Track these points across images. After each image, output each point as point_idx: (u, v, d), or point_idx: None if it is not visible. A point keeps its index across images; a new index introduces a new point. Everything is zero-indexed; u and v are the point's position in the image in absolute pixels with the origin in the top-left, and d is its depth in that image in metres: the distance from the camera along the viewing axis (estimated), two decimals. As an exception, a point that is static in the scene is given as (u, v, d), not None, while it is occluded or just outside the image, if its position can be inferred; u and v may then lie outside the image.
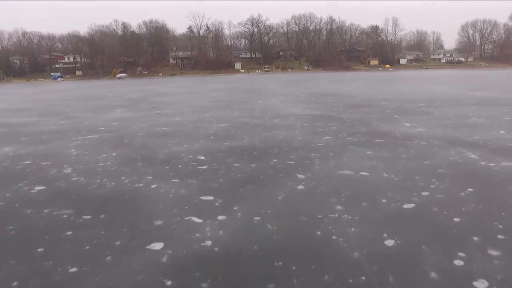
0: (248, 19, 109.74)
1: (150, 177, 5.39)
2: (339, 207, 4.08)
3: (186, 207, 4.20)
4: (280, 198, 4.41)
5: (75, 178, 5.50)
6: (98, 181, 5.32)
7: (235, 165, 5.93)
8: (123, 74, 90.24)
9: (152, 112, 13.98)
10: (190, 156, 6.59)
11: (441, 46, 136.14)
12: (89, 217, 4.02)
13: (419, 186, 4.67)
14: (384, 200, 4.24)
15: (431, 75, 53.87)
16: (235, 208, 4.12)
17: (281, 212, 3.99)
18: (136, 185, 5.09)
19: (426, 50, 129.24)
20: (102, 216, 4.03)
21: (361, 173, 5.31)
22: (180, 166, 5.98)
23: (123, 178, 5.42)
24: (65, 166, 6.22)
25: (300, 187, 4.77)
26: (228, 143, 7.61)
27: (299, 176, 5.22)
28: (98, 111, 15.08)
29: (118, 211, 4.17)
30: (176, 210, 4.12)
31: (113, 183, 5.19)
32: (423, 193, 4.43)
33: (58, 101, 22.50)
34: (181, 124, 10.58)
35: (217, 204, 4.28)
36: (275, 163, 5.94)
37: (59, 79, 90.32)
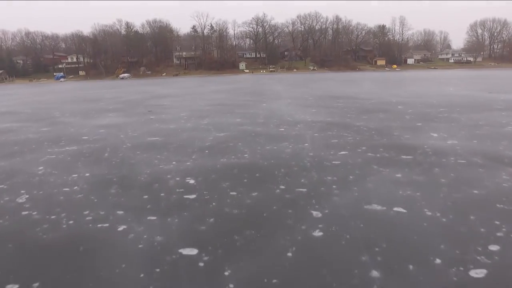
0: (252, 18, 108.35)
1: (121, 212, 4.17)
2: (375, 273, 2.82)
3: (158, 269, 2.97)
4: (290, 254, 3.16)
5: (26, 212, 4.30)
6: (53, 217, 4.11)
7: (231, 193, 4.69)
8: (126, 74, 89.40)
9: (145, 117, 12.77)
10: (177, 179, 5.36)
11: (449, 46, 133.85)
12: (16, 287, 2.80)
13: (481, 234, 3.40)
14: (438, 261, 2.98)
15: (441, 75, 52.24)
16: (226, 274, 2.88)
17: (293, 283, 2.74)
18: (100, 225, 3.87)
19: (434, 50, 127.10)
20: (35, 285, 2.82)
21: (395, 209, 4.05)
22: (162, 194, 4.75)
23: (87, 212, 4.21)
24: (22, 192, 5.02)
25: (317, 233, 3.52)
26: (225, 160, 6.37)
27: (315, 213, 3.96)
28: (88, 115, 13.91)
29: (61, 276, 2.95)
30: (142, 276, 2.89)
31: (71, 221, 3.98)
32: (491, 248, 3.16)
33: (51, 103, 21.40)
34: (174, 133, 9.36)
35: (201, 264, 3.04)
36: (282, 191, 4.69)
37: (62, 79, 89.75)
